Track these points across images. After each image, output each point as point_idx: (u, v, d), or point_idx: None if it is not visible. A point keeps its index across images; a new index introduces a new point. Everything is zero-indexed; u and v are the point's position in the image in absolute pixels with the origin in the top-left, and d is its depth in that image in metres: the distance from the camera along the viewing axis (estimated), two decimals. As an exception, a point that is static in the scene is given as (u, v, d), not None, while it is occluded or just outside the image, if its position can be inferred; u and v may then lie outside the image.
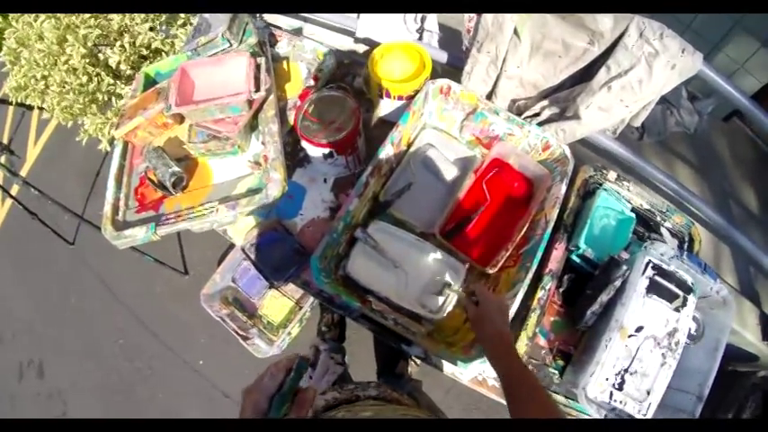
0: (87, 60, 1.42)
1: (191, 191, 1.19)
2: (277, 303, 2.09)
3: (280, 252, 1.20)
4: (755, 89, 2.53)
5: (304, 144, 1.17)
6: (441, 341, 1.06)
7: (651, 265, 1.09)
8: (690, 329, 1.15)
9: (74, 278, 2.82)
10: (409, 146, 1.28)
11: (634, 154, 1.38)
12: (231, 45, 1.27)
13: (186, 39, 1.43)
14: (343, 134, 1.11)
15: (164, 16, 1.51)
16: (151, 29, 1.48)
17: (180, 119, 1.27)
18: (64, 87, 1.43)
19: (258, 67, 1.20)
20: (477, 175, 1.20)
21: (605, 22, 1.04)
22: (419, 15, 1.42)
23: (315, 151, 1.18)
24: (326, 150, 1.15)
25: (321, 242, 1.01)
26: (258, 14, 2.03)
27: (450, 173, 1.25)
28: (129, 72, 1.49)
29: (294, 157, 1.31)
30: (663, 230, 1.31)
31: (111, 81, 1.48)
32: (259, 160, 1.19)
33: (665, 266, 1.10)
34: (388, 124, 1.23)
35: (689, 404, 1.11)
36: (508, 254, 1.08)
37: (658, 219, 1.31)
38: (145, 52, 1.50)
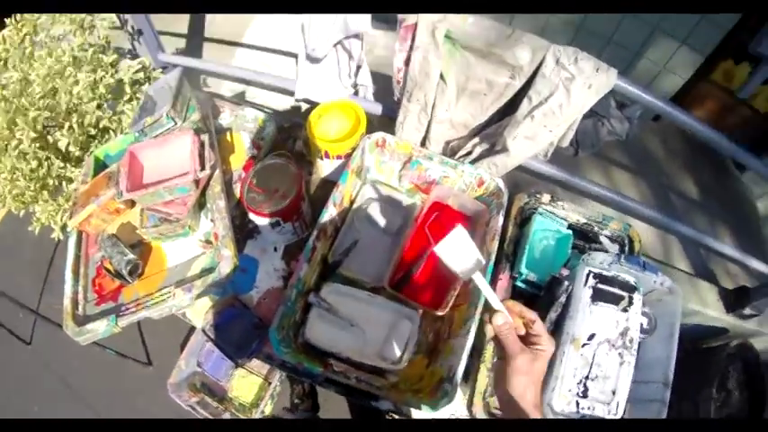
0: (37, 144, 1.43)
1: (147, 277, 1.22)
2: (246, 382, 2.12)
3: (239, 328, 1.22)
4: (679, 86, 2.80)
5: (251, 216, 1.22)
6: (406, 390, 1.10)
7: (592, 274, 1.15)
8: (641, 325, 1.20)
9: (34, 382, 2.65)
10: (352, 203, 1.34)
11: (567, 172, 1.47)
12: (176, 123, 1.32)
13: (133, 116, 1.47)
14: (286, 202, 1.16)
15: (109, 93, 1.55)
16: (98, 106, 1.50)
17: (131, 203, 1.30)
18: (14, 174, 1.44)
19: (202, 144, 1.25)
20: (418, 222, 1.25)
21: (524, 56, 1.13)
22: (353, 71, 1.50)
23: (262, 221, 1.23)
24: (273, 220, 1.20)
25: (276, 313, 1.04)
26: (202, 84, 2.15)
27: (393, 224, 1.31)
28: (77, 153, 1.50)
29: (243, 230, 1.35)
30: (602, 239, 1.40)
31: (62, 164, 1.49)
32: (210, 239, 1.23)
33: (605, 273, 1.16)
34: (330, 184, 1.28)
35: (657, 392, 1.17)
36: (456, 293, 1.14)
37: (596, 229, 1.40)
38: (93, 132, 1.52)
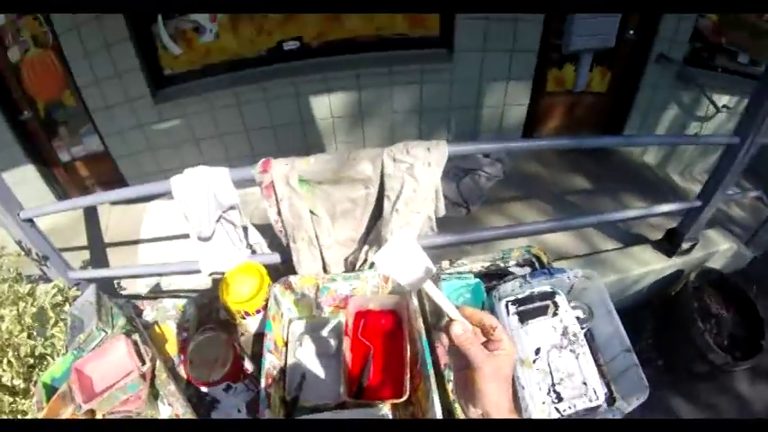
0: None
1: None
2: None
3: None
4: (524, 113, 3.25)
5: (203, 389, 1.33)
6: None
7: (509, 303, 1.34)
8: (578, 317, 1.38)
9: None
10: (286, 344, 1.47)
11: (460, 233, 1.71)
12: (107, 333, 1.41)
13: (63, 337, 1.54)
14: (228, 366, 1.29)
15: (35, 322, 1.59)
16: (29, 336, 1.54)
17: (92, 413, 1.34)
18: None
19: (135, 343, 1.36)
20: (351, 335, 1.39)
21: (366, 168, 1.37)
22: (242, 235, 1.70)
23: (215, 391, 1.34)
24: (224, 385, 1.32)
25: None
26: (117, 288, 2.25)
27: (330, 346, 1.45)
28: (23, 386, 1.52)
29: (202, 405, 1.43)
30: (512, 270, 1.59)
31: (11, 399, 1.49)
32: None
33: (521, 296, 1.36)
34: (262, 336, 1.40)
35: (626, 361, 1.32)
36: (409, 376, 1.26)
37: (502, 265, 1.59)
38: (31, 361, 1.54)
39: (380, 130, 3.03)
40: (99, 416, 1.36)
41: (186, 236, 2.40)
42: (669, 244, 2.52)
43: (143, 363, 1.33)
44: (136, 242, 2.59)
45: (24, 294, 1.61)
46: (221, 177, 1.48)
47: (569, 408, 1.25)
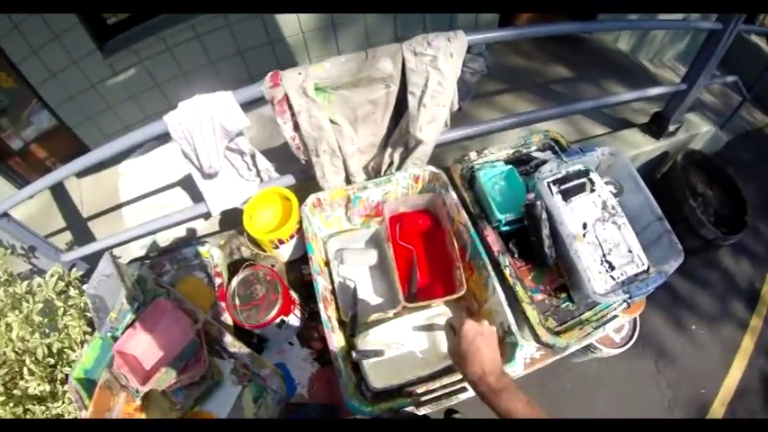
0: (10, 404, 1.36)
1: None
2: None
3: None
4: None
5: (257, 332, 1.28)
6: None
7: (551, 183, 1.35)
8: (611, 192, 1.42)
9: None
10: (327, 264, 1.43)
11: (468, 127, 1.69)
12: (139, 303, 1.30)
13: (78, 324, 1.45)
14: (279, 300, 1.24)
15: (45, 319, 1.48)
16: (42, 335, 1.45)
17: (148, 395, 1.24)
18: None
19: (178, 300, 1.27)
20: (391, 241, 1.36)
21: (386, 66, 1.29)
22: (250, 163, 1.59)
23: (267, 331, 1.29)
24: (277, 321, 1.26)
25: (341, 389, 1.11)
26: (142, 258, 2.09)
27: (371, 257, 1.42)
28: (48, 389, 1.43)
29: (254, 349, 1.35)
30: (535, 155, 1.59)
31: (42, 408, 1.41)
32: (239, 372, 1.26)
33: (559, 176, 1.37)
34: (296, 262, 1.37)
35: (658, 228, 1.38)
36: (461, 271, 1.27)
37: (524, 151, 1.59)
38: (51, 361, 1.45)
39: (354, 38, 2.87)
40: (157, 393, 1.24)
41: (171, 186, 2.30)
42: (657, 126, 2.60)
43: (196, 321, 1.25)
44: (118, 207, 2.42)
45: (23, 294, 1.48)
46: (225, 102, 1.35)
47: (621, 275, 1.31)
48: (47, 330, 1.47)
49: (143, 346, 1.24)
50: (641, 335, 2.65)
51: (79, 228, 2.51)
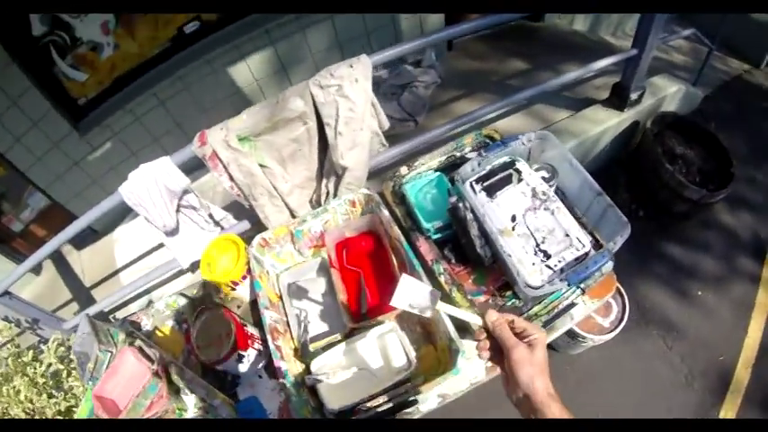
0: None
1: None
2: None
3: None
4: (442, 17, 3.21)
5: (219, 367, 1.38)
6: (433, 378, 1.21)
7: (472, 182, 1.38)
8: (543, 177, 1.43)
9: None
10: (281, 298, 1.51)
11: (408, 140, 1.77)
12: (111, 352, 1.44)
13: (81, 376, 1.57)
14: (232, 337, 1.34)
15: (51, 381, 1.62)
16: (49, 396, 1.59)
17: None
18: None
19: (140, 348, 1.38)
20: (337, 266, 1.44)
21: (298, 104, 1.40)
22: (206, 216, 1.72)
23: (231, 366, 1.38)
24: (235, 356, 1.37)
25: (292, 412, 1.19)
26: (111, 315, 2.26)
27: (321, 285, 1.50)
28: None
29: (225, 385, 1.47)
30: (468, 156, 1.63)
31: None
32: (200, 405, 1.35)
33: (483, 173, 1.41)
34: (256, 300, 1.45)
35: (601, 203, 1.35)
36: None
37: (458, 155, 1.64)
38: (61, 418, 1.57)
39: (307, 74, 2.98)
40: None
41: (162, 245, 2.45)
42: (618, 98, 2.58)
43: (152, 362, 1.36)
44: (115, 273, 2.58)
45: (30, 361, 1.62)
46: (164, 166, 1.49)
47: (559, 261, 1.30)
48: (53, 392, 1.61)
49: (117, 389, 1.35)
50: (643, 312, 2.62)
51: (83, 297, 2.69)
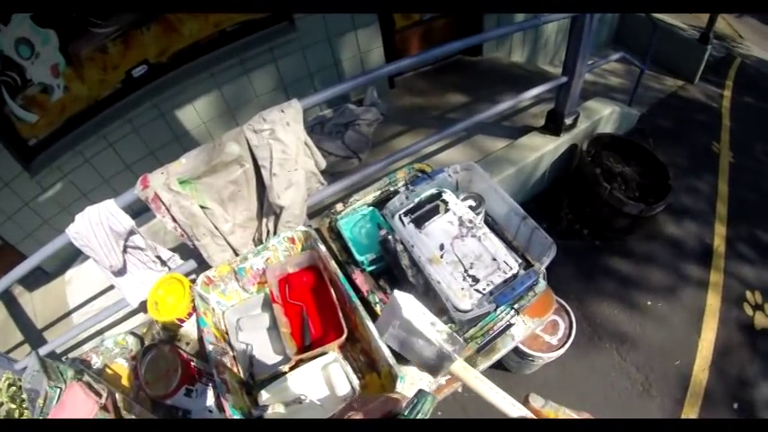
0: None
1: None
2: None
3: None
4: (382, 53, 3.36)
5: (169, 402, 1.43)
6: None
7: (401, 215, 1.47)
8: (470, 206, 1.53)
9: None
10: (227, 333, 1.57)
11: (347, 177, 1.87)
12: (61, 388, 1.45)
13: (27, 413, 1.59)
14: (179, 370, 1.40)
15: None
16: None
17: None
18: None
19: (87, 383, 1.44)
20: (280, 301, 1.52)
21: (233, 149, 1.49)
22: (152, 256, 1.78)
23: (181, 401, 1.44)
24: (183, 391, 1.42)
25: None
26: (64, 356, 2.26)
27: (265, 319, 1.57)
28: None
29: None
30: (400, 191, 1.67)
31: None
32: None
33: (411, 205, 1.50)
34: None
35: (526, 229, 1.46)
36: (342, 315, 1.42)
37: (392, 189, 1.74)
38: None
39: (252, 116, 3.11)
40: None
41: (113, 286, 2.48)
42: (553, 124, 2.74)
43: (100, 396, 1.41)
44: (67, 315, 2.59)
45: None
46: (109, 208, 1.55)
47: (488, 285, 1.37)
48: None
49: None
50: (594, 327, 2.70)
51: (34, 337, 2.69)
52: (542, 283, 1.45)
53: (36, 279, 2.97)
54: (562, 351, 2.20)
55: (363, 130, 1.84)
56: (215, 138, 3.00)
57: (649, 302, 2.85)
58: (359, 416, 0.54)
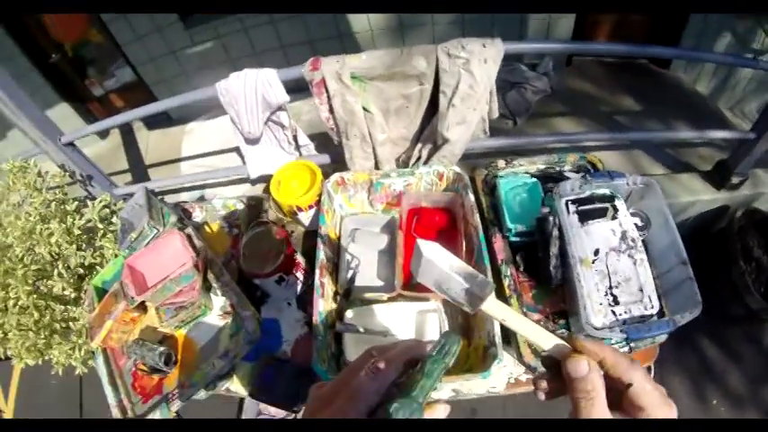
0: (34, 296, 1.51)
1: (183, 363, 1.34)
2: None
3: (283, 382, 1.33)
4: (572, 26, 3.11)
5: (256, 282, 1.37)
6: (457, 373, 1.16)
7: (569, 202, 1.32)
8: (636, 224, 1.36)
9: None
10: (339, 238, 1.50)
11: (514, 138, 1.71)
12: (158, 231, 1.47)
13: (112, 247, 1.61)
14: (281, 257, 1.32)
15: (84, 235, 1.64)
16: (78, 248, 1.60)
17: (144, 308, 1.43)
18: (21, 329, 1.50)
19: (188, 236, 1.43)
20: (404, 230, 1.41)
21: (421, 64, 1.36)
22: (290, 137, 1.71)
23: (268, 285, 1.38)
24: (276, 277, 1.35)
25: (313, 349, 1.16)
26: (160, 197, 2.31)
27: (382, 241, 1.47)
28: (73, 295, 1.59)
29: (253, 300, 1.46)
30: (566, 174, 1.57)
31: (62, 308, 1.57)
32: (227, 309, 1.39)
33: (581, 196, 1.34)
34: (314, 232, 1.42)
35: (681, 273, 1.27)
36: None
37: (557, 168, 1.58)
38: (81, 271, 1.61)
39: (421, 42, 2.97)
40: (152, 312, 1.42)
41: (229, 151, 2.47)
42: (719, 176, 2.43)
43: (197, 253, 1.39)
44: (177, 161, 2.63)
45: (71, 211, 1.66)
46: (269, 77, 1.48)
47: (625, 312, 1.24)
48: (84, 246, 1.65)
49: (151, 265, 1.39)
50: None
51: (139, 172, 2.77)
52: (665, 336, 1.29)
53: (157, 121, 3.02)
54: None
55: (528, 96, 1.66)
56: (377, 47, 2.94)
57: (715, 401, 2.60)
58: (381, 364, 0.47)
